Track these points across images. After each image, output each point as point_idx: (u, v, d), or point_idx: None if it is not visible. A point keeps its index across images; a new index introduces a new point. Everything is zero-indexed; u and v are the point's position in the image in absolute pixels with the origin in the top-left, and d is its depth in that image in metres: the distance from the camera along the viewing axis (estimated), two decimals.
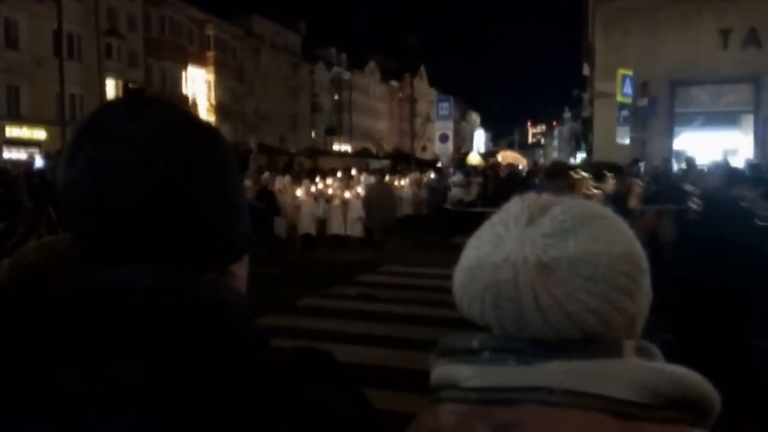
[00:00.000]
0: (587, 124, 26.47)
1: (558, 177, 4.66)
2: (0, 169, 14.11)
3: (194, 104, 38.58)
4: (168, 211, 0.62)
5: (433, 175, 20.50)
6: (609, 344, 0.69)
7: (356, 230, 14.07)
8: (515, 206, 0.74)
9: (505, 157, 24.96)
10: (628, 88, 14.79)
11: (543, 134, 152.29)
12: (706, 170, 11.20)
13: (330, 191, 14.80)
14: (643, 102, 15.30)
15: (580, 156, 32.24)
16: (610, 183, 7.74)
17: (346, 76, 61.90)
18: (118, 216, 0.61)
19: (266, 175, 12.98)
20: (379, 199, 11.89)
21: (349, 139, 60.26)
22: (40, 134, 27.74)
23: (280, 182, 13.61)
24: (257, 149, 32.04)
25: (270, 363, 0.61)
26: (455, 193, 15.42)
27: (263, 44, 47.02)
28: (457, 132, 57.64)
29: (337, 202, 14.41)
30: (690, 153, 13.02)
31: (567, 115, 74.51)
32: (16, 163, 18.63)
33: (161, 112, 0.65)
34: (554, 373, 0.68)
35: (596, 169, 7.59)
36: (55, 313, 0.62)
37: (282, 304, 7.82)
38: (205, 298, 0.62)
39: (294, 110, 52.01)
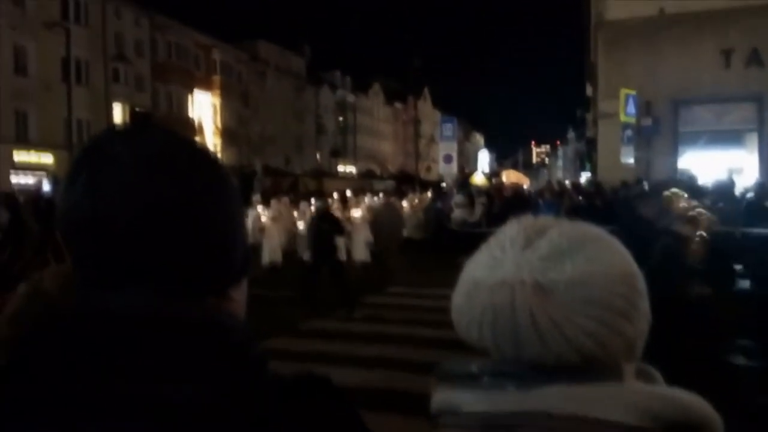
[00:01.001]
0: (591, 144, 26.53)
1: (653, 195, 4.65)
2: (7, 194, 14.24)
3: (200, 127, 38.93)
4: (165, 235, 0.62)
5: (429, 195, 20.46)
6: (608, 368, 0.68)
7: (362, 254, 13.31)
8: (512, 229, 0.74)
9: (508, 176, 25.01)
10: (632, 108, 14.84)
11: (547, 154, 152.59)
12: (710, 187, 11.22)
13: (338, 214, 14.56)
14: (647, 121, 15.33)
15: (585, 175, 32.24)
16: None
17: (351, 98, 62.39)
18: (116, 240, 0.62)
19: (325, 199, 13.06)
20: (386, 221, 11.68)
21: (353, 161, 60.53)
22: (47, 158, 27.97)
23: (276, 207, 13.15)
24: (262, 171, 32.24)
25: (267, 386, 0.61)
26: (458, 213, 15.40)
27: (268, 68, 47.54)
28: (461, 153, 57.85)
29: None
30: (692, 172, 13.02)
31: (571, 135, 74.71)
32: (23, 188, 18.79)
33: (157, 137, 0.66)
34: (554, 398, 0.67)
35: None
36: (55, 338, 0.62)
37: (287, 326, 7.79)
38: (202, 322, 0.63)
39: (299, 133, 52.38)
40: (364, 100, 65.39)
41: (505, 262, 0.70)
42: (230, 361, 0.61)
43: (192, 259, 0.64)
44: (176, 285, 0.63)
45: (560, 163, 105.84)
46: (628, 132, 14.68)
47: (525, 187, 22.59)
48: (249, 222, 11.56)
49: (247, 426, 0.58)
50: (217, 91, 41.50)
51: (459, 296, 0.74)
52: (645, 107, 15.42)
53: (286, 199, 14.32)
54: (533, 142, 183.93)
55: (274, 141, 46.64)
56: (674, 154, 15.98)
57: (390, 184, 34.91)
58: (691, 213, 4.66)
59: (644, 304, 0.72)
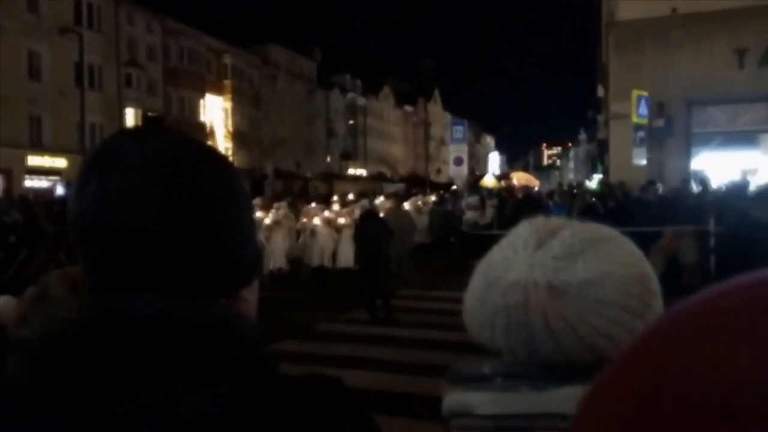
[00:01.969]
0: (603, 146, 26.38)
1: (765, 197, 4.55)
2: (21, 197, 14.40)
3: (212, 131, 39.18)
4: (176, 237, 0.62)
5: (433, 198, 20.14)
6: None
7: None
8: (524, 230, 0.74)
9: (518, 179, 24.91)
10: (644, 109, 14.74)
11: (558, 156, 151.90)
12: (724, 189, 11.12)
13: (342, 220, 12.94)
14: (659, 123, 15.22)
15: (597, 177, 32.09)
16: None
17: (361, 101, 62.51)
18: (127, 243, 0.62)
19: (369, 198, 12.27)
20: (397, 225, 11.55)
21: (364, 164, 60.60)
22: (61, 163, 28.27)
23: (276, 212, 12.27)
24: (273, 174, 32.35)
25: (278, 388, 0.61)
26: (469, 216, 15.36)
27: (279, 72, 47.76)
28: (472, 155, 57.74)
29: (348, 231, 12.67)
30: (704, 173, 12.90)
31: (582, 136, 74.33)
32: (37, 192, 19.00)
33: (167, 140, 0.66)
34: (568, 398, 0.67)
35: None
36: (66, 342, 0.63)
37: (297, 328, 7.80)
38: (213, 323, 0.63)
39: (309, 136, 52.55)
40: (375, 102, 65.49)
41: (518, 263, 0.70)
42: (240, 363, 0.61)
43: (204, 262, 0.64)
44: (188, 287, 0.63)
45: (571, 164, 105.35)
46: (641, 133, 14.58)
47: (536, 188, 22.50)
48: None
49: (257, 429, 0.58)
50: (229, 95, 41.75)
51: (471, 298, 0.74)
52: (657, 108, 15.31)
53: (284, 203, 13.40)
54: (544, 144, 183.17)
55: (285, 144, 46.82)
56: (687, 155, 15.85)
57: (400, 186, 34.90)
58: None
59: (658, 304, 0.71)
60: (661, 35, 15.49)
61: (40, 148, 27.78)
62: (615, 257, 0.69)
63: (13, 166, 25.81)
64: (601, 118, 29.39)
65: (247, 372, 0.60)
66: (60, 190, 17.77)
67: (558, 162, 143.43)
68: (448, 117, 60.84)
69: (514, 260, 0.70)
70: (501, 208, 15.00)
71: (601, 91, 26.60)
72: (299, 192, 22.80)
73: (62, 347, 0.63)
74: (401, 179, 47.71)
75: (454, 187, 23.23)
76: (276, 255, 11.89)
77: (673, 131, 15.45)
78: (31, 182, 26.31)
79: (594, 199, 12.50)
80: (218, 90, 40.64)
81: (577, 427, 0.33)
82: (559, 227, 0.72)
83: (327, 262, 12.48)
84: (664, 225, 9.50)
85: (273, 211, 12.45)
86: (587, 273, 0.67)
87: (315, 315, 8.92)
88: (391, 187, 32.98)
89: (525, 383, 0.70)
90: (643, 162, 14.57)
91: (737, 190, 10.58)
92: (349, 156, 58.03)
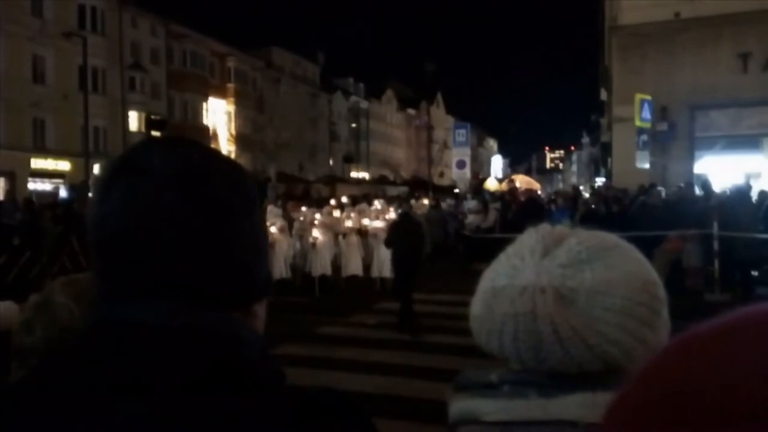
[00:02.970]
0: (606, 149, 26.35)
1: None
2: (25, 200, 14.44)
3: (215, 135, 39.26)
4: (198, 248, 0.63)
5: (426, 202, 19.76)
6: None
7: (387, 270, 11.38)
8: (530, 238, 0.74)
9: (520, 182, 24.86)
10: (647, 113, 14.73)
11: (561, 159, 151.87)
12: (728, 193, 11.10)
13: (349, 223, 12.13)
14: (663, 126, 15.21)
15: (600, 181, 32.06)
16: None
17: (364, 104, 62.59)
18: (148, 252, 0.62)
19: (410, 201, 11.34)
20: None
21: (366, 167, 60.65)
22: (64, 166, 28.35)
23: (282, 217, 11.55)
24: (276, 178, 32.41)
25: (285, 400, 0.61)
26: (471, 219, 15.33)
27: (282, 75, 47.87)
28: (475, 158, 57.73)
29: (354, 238, 11.92)
30: (707, 176, 12.88)
31: (585, 140, 74.27)
32: (41, 194, 19.05)
33: (192, 150, 0.67)
34: (577, 406, 0.67)
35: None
36: (73, 349, 0.63)
37: (301, 332, 7.80)
38: (224, 335, 0.63)
39: (313, 139, 52.62)
40: (377, 106, 65.58)
41: (525, 271, 0.70)
42: (248, 376, 0.61)
43: (222, 274, 0.64)
44: (204, 298, 0.63)
45: (574, 168, 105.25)
46: (644, 137, 14.57)
47: (538, 192, 22.48)
48: None
49: None
50: (232, 99, 41.84)
51: (478, 305, 0.74)
52: (661, 112, 15.30)
53: (278, 209, 12.46)
54: (547, 148, 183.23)
55: (288, 147, 46.89)
56: (690, 159, 15.83)
57: (403, 190, 34.90)
58: None
59: (665, 312, 0.71)
60: (665, 39, 15.48)
61: (44, 151, 27.87)
62: (622, 265, 0.70)
63: (16, 169, 25.90)
64: (604, 121, 29.37)
65: (255, 385, 0.60)
66: (63, 193, 17.82)
67: (561, 165, 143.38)
68: (450, 120, 60.89)
69: (521, 268, 0.70)
70: (504, 211, 14.98)
71: (604, 95, 26.59)
72: (301, 195, 22.78)
73: (68, 355, 0.63)
74: (404, 182, 47.73)
75: (457, 190, 23.23)
76: (279, 263, 11.16)
77: (676, 135, 15.43)
78: (35, 185, 26.39)
79: (593, 206, 12.46)
80: (221, 93, 40.74)
81: None
82: (566, 235, 0.72)
83: (328, 271, 11.66)
84: (667, 229, 9.50)
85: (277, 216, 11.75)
86: (594, 281, 0.68)
87: (317, 318, 8.91)
88: (393, 191, 32.99)
89: (533, 390, 0.69)
90: (647, 165, 14.56)
91: (740, 195, 10.56)
92: (351, 159, 58.08)
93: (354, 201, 16.00)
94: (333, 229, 12.13)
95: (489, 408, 0.71)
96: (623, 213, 10.67)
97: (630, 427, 0.31)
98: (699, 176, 14.11)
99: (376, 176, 55.18)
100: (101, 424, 0.57)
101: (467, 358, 6.37)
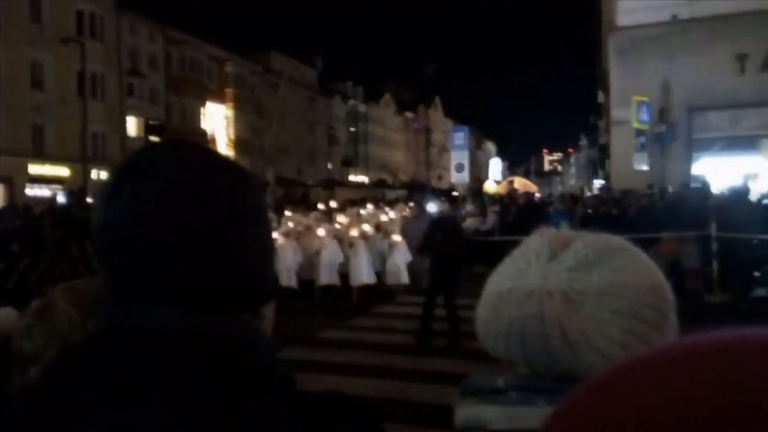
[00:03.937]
0: (604, 151, 26.38)
1: None
2: (24, 206, 14.42)
3: (213, 139, 39.26)
4: (205, 253, 0.63)
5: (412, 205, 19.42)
6: None
7: (401, 277, 11.00)
8: (536, 241, 0.73)
9: (516, 183, 24.82)
10: (644, 115, 14.76)
11: (559, 161, 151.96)
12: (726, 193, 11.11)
13: (355, 232, 11.31)
14: (661, 128, 15.24)
15: (598, 183, 32.08)
16: None
17: (362, 108, 62.64)
18: (155, 257, 0.62)
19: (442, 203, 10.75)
20: (416, 236, 10.03)
21: (365, 170, 60.68)
22: (63, 171, 28.32)
23: (289, 221, 11.22)
24: (275, 182, 32.40)
25: (288, 403, 0.61)
26: (469, 223, 15.30)
27: (281, 80, 47.92)
28: (473, 161, 57.70)
29: (361, 243, 11.06)
30: (705, 178, 12.90)
31: (583, 142, 74.34)
32: (39, 200, 19.01)
33: (197, 155, 0.67)
34: None
35: None
36: (82, 352, 0.63)
37: (301, 336, 7.79)
38: (228, 338, 0.63)
39: (311, 143, 52.65)
40: (376, 109, 65.64)
41: (532, 274, 0.70)
42: (256, 379, 0.61)
43: (231, 278, 0.64)
44: (212, 302, 0.63)
45: (573, 170, 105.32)
46: (642, 139, 14.60)
47: (536, 195, 22.46)
48: None
49: None
50: (230, 104, 41.86)
51: (484, 309, 0.73)
52: (658, 114, 15.33)
53: (295, 215, 12.14)
54: (545, 150, 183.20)
55: (287, 151, 46.92)
56: (688, 160, 15.85)
57: (401, 193, 34.89)
58: None
59: (673, 315, 0.71)
60: (662, 41, 15.52)
61: (42, 157, 27.85)
62: (629, 268, 0.69)
63: (14, 174, 25.87)
64: (602, 123, 29.40)
65: (261, 387, 0.60)
66: (61, 199, 17.87)
67: (559, 168, 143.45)
68: (449, 123, 60.93)
69: (527, 271, 0.70)
70: (503, 214, 14.96)
71: (601, 97, 26.64)
72: (300, 199, 22.75)
73: (71, 359, 0.63)
74: (402, 186, 47.74)
75: (455, 193, 23.23)
76: (286, 272, 10.51)
77: (674, 136, 15.46)
78: (33, 191, 26.35)
79: (590, 210, 12.45)
80: (220, 98, 40.77)
81: None
82: (572, 238, 0.72)
83: (335, 279, 10.91)
84: (665, 230, 9.48)
85: (284, 220, 11.49)
86: (602, 283, 0.67)
87: (319, 323, 8.90)
88: (392, 194, 32.99)
89: (541, 397, 0.69)
90: (645, 167, 14.58)
91: (738, 196, 10.57)
92: (350, 163, 58.10)
93: (344, 207, 15.53)
94: (339, 236, 11.46)
95: (495, 415, 0.70)
96: (622, 215, 10.67)
97: None
98: (697, 177, 14.14)
99: (375, 180, 55.20)
100: (102, 427, 0.57)
101: (468, 360, 6.37)
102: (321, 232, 11.04)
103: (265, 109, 45.33)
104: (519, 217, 12.08)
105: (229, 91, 41.69)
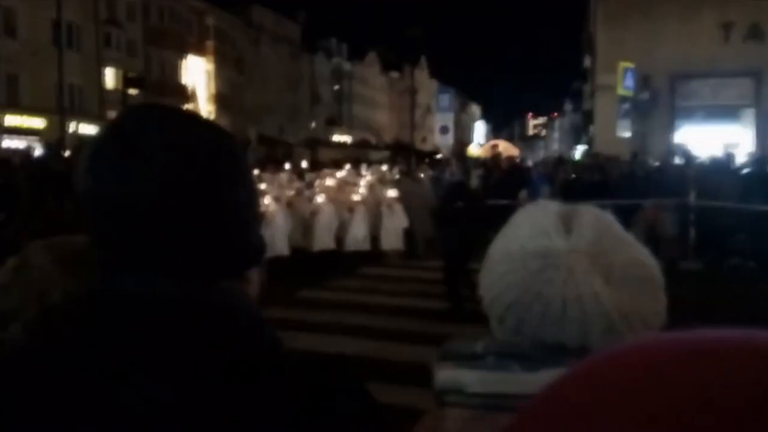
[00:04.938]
0: (588, 117, 26.41)
1: None
2: (2, 159, 14.09)
3: (193, 94, 38.48)
4: (192, 219, 0.64)
5: (385, 167, 18.85)
6: None
7: (396, 242, 10.69)
8: (545, 218, 0.73)
9: (501, 147, 24.82)
10: (630, 81, 14.78)
11: (544, 126, 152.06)
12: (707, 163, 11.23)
13: (357, 197, 10.84)
14: (645, 96, 15.29)
15: (581, 148, 32.20)
16: None
17: (347, 66, 61.66)
18: (142, 221, 0.63)
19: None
20: (418, 202, 10.10)
21: (349, 130, 60.16)
22: (38, 123, 27.67)
23: (278, 184, 10.77)
24: (257, 140, 32.02)
25: (279, 367, 0.62)
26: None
27: (263, 34, 46.82)
28: (457, 124, 57.55)
29: (362, 209, 10.62)
30: (688, 146, 13.02)
31: (568, 107, 74.33)
32: (15, 152, 18.60)
33: (181, 121, 0.68)
34: None
35: None
36: (69, 320, 0.63)
37: (282, 295, 7.82)
38: (216, 308, 0.64)
39: (294, 101, 51.87)
40: (360, 68, 64.67)
41: (556, 250, 0.70)
42: (244, 346, 0.62)
43: (216, 244, 0.66)
44: (198, 268, 0.65)
45: (557, 135, 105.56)
46: (626, 105, 14.65)
47: (518, 159, 22.53)
48: None
49: (260, 420, 0.58)
50: (211, 57, 40.90)
51: (493, 275, 0.74)
52: (643, 81, 15.35)
53: (283, 175, 11.69)
54: (530, 114, 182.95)
55: (269, 109, 46.22)
56: (670, 128, 15.98)
57: (385, 154, 34.76)
58: None
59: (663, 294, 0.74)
60: (648, 9, 15.41)
61: (17, 108, 27.13)
62: (635, 243, 0.73)
63: None
64: (587, 88, 29.36)
65: (244, 352, 0.61)
66: (38, 151, 17.48)
67: (543, 132, 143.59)
68: (434, 84, 60.39)
69: (551, 247, 0.70)
70: (486, 178, 14.98)
71: (587, 62, 26.53)
72: (282, 158, 22.54)
73: (58, 331, 0.62)
74: (386, 146, 47.53)
75: (439, 155, 23.20)
76: (277, 238, 9.52)
77: (657, 104, 15.53)
78: (9, 142, 25.75)
79: (574, 175, 12.49)
80: (200, 51, 39.79)
81: None
82: (575, 212, 0.74)
83: (332, 244, 10.31)
84: (646, 198, 9.59)
85: (271, 182, 10.78)
86: (624, 255, 0.70)
87: (300, 282, 8.92)
88: (376, 155, 32.84)
89: (517, 363, 0.70)
90: (628, 134, 14.67)
91: (719, 165, 10.70)
92: (334, 122, 57.52)
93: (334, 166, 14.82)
94: (341, 199, 10.84)
95: (472, 379, 0.72)
96: (604, 182, 10.74)
97: None
98: (679, 146, 14.28)
99: (359, 140, 54.83)
100: (97, 414, 0.57)
101: (448, 322, 6.46)
102: (320, 198, 10.51)
103: (246, 65, 44.41)
104: (502, 181, 12.10)
105: (209, 44, 40.68)
